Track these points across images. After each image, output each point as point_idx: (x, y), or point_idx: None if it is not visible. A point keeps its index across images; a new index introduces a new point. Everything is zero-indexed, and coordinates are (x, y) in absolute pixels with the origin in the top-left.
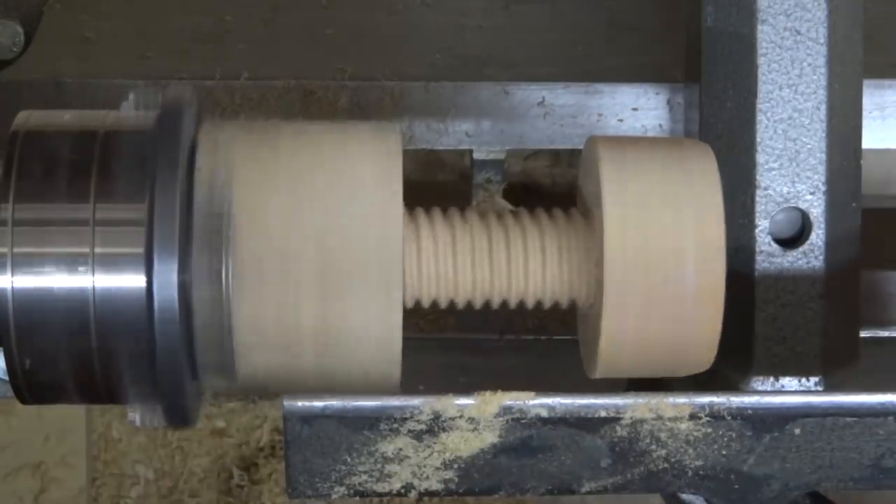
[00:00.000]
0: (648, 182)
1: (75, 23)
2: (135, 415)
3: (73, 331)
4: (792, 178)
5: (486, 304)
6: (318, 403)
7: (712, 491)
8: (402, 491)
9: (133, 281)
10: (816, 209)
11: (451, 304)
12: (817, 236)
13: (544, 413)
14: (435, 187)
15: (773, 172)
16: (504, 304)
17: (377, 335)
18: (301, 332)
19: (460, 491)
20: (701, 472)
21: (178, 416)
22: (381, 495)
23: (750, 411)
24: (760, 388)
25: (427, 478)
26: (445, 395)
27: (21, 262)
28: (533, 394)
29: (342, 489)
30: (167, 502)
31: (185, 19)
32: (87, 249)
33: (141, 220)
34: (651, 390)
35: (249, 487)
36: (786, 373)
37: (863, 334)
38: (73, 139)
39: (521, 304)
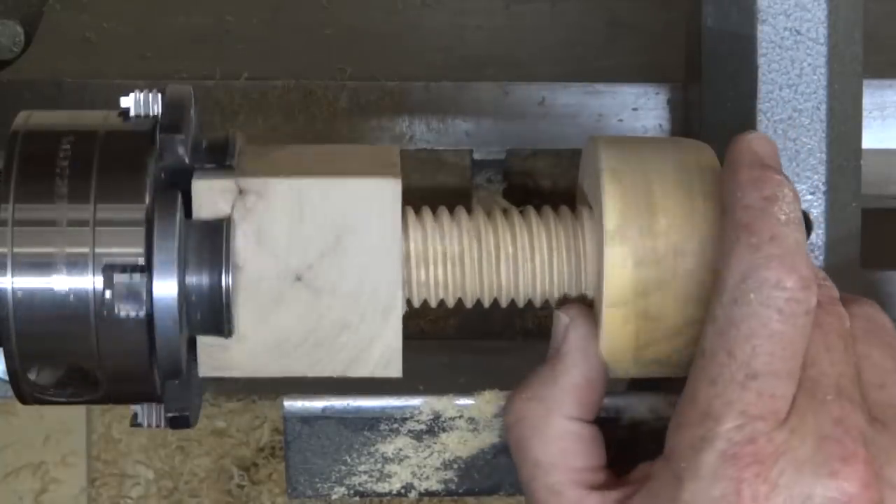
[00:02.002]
0: (648, 182)
1: (75, 23)
2: (137, 412)
3: (73, 331)
4: (792, 178)
5: (486, 304)
6: (318, 404)
7: None
8: (402, 491)
9: (132, 283)
10: (816, 209)
11: (451, 304)
12: (817, 236)
13: None
14: (435, 187)
15: None
16: (504, 303)
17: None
18: (300, 331)
19: (460, 491)
20: None
21: (178, 417)
22: (381, 495)
23: None
24: None
25: (427, 478)
26: (445, 395)
27: (21, 262)
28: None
29: (342, 489)
30: (167, 502)
31: (185, 19)
32: (87, 249)
33: (141, 220)
34: (651, 390)
35: (249, 487)
36: None
37: None
38: (73, 139)
39: (521, 303)
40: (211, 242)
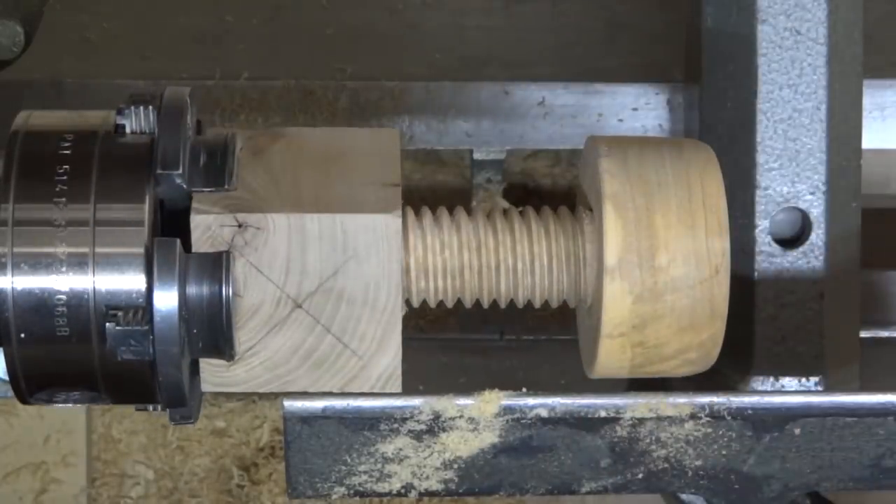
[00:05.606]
0: (648, 182)
1: (75, 23)
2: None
3: (73, 331)
4: (792, 178)
5: (485, 305)
6: (319, 404)
7: (712, 491)
8: (402, 491)
9: (133, 281)
10: (816, 209)
11: (451, 304)
12: (817, 236)
13: (544, 413)
14: (435, 187)
15: (773, 172)
16: (503, 304)
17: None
18: (300, 354)
19: (460, 491)
20: (701, 472)
21: (178, 416)
22: (381, 495)
23: (750, 411)
24: (760, 388)
25: (427, 478)
26: (445, 395)
27: (21, 262)
28: (533, 393)
29: (342, 489)
30: (167, 502)
31: (185, 19)
32: (87, 249)
33: (141, 220)
34: (651, 390)
35: (249, 487)
36: (786, 373)
37: (863, 334)
38: (73, 139)
39: (521, 303)
40: (211, 274)
